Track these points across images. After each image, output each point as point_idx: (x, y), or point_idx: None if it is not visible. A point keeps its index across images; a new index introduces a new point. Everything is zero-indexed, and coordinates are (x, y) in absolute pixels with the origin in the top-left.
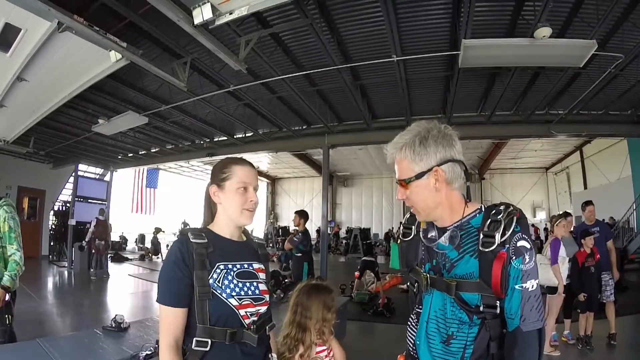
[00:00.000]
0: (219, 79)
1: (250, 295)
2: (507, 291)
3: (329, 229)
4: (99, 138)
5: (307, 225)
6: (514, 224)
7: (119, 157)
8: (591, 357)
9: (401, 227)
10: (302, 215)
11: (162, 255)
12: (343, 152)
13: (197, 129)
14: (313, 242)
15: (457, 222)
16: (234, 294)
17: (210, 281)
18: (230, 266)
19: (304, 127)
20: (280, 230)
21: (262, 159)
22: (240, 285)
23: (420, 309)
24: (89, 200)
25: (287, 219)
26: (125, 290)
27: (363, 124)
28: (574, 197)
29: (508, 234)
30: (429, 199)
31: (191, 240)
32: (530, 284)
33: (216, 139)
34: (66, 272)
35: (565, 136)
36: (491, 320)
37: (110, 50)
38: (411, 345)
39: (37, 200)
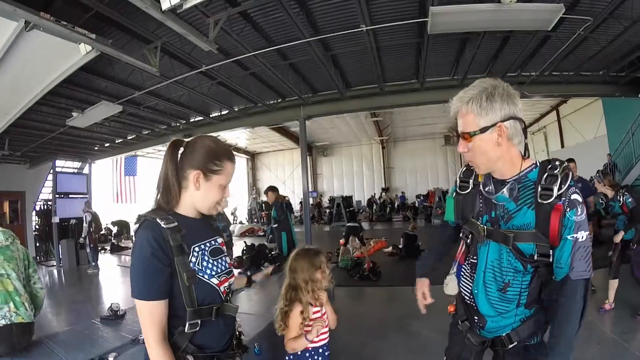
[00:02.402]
0: (190, 61)
1: (224, 271)
2: (559, 240)
3: (310, 199)
4: (73, 131)
5: (291, 197)
6: (569, 178)
7: (96, 148)
8: None
9: (458, 181)
10: (273, 189)
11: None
12: (320, 122)
13: (173, 111)
14: (296, 214)
15: (515, 175)
16: (213, 273)
17: (190, 265)
18: (202, 246)
19: (279, 100)
20: (263, 205)
21: (240, 136)
22: (215, 263)
23: (475, 259)
24: (70, 196)
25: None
26: (116, 280)
27: (337, 93)
28: (552, 155)
29: (564, 187)
30: (490, 153)
31: (163, 226)
32: (581, 235)
33: (192, 120)
34: (56, 271)
35: (539, 97)
36: (543, 268)
37: (79, 43)
38: (468, 294)
39: (18, 203)
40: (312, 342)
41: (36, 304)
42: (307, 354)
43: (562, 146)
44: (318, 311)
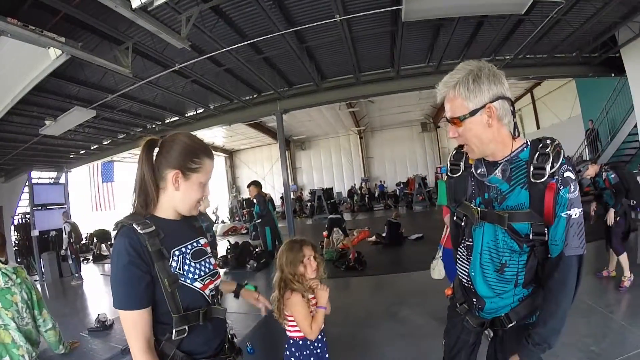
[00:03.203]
0: (163, 60)
1: (208, 273)
2: (554, 219)
3: (291, 193)
4: (47, 140)
5: (271, 193)
6: (561, 156)
7: (71, 156)
8: None
9: (448, 164)
10: (256, 184)
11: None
12: (297, 116)
13: (147, 113)
14: (278, 209)
15: (507, 156)
16: (196, 277)
17: (171, 270)
18: (183, 249)
19: (255, 95)
20: (244, 202)
21: (216, 134)
22: (197, 266)
23: (470, 242)
24: (48, 207)
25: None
26: (101, 290)
27: (313, 85)
28: (528, 137)
29: (557, 166)
30: (482, 135)
31: (139, 231)
32: (574, 212)
33: (168, 121)
34: (39, 285)
35: (514, 80)
36: (539, 247)
37: (48, 48)
38: (465, 277)
39: None
40: (325, 306)
41: (50, 344)
42: (308, 342)
43: (538, 127)
44: (313, 297)
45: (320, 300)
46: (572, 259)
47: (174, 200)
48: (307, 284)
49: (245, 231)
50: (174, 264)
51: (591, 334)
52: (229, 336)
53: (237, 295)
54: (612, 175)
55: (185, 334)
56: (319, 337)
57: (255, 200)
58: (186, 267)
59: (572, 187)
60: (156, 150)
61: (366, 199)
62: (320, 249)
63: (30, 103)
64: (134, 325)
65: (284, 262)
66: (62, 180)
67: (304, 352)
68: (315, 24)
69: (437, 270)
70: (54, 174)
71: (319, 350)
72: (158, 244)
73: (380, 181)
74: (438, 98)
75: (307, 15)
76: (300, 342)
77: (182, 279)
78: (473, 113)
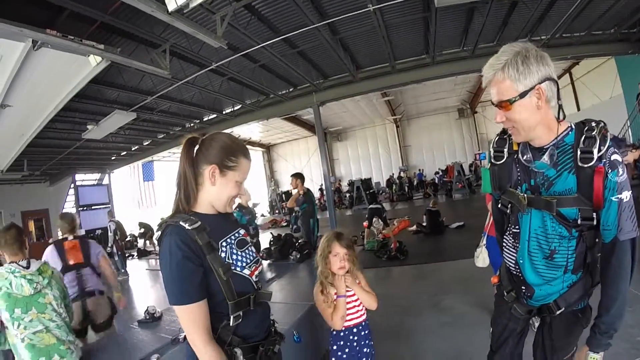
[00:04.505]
0: (199, 60)
1: (252, 260)
2: (604, 203)
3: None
4: (90, 144)
5: (309, 186)
6: (607, 139)
7: (113, 158)
8: None
9: (492, 151)
10: (299, 177)
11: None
12: (332, 108)
13: (186, 112)
14: (317, 201)
15: (553, 140)
16: (244, 264)
17: (222, 260)
18: (228, 240)
19: (291, 89)
20: (283, 195)
21: (253, 130)
22: (243, 254)
23: (517, 229)
24: (93, 207)
25: (288, 184)
26: (147, 284)
27: (349, 76)
28: (568, 119)
29: (604, 149)
30: (531, 118)
31: (187, 227)
32: (625, 195)
33: (206, 119)
34: None
35: (553, 60)
36: (587, 232)
37: (88, 55)
38: (513, 265)
39: (43, 221)
40: (345, 295)
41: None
42: (348, 332)
43: (578, 109)
44: (352, 295)
45: (338, 289)
46: (627, 243)
47: (210, 195)
48: (330, 278)
49: (285, 223)
50: (222, 254)
51: (637, 323)
52: (271, 321)
53: None
54: None
55: (240, 320)
56: (355, 330)
57: (300, 193)
58: (234, 257)
59: (620, 170)
60: (196, 147)
61: (406, 187)
62: (361, 239)
63: (73, 109)
64: (193, 319)
65: (318, 254)
66: (105, 181)
67: (341, 343)
68: (348, 14)
69: (482, 258)
70: (97, 176)
71: (361, 342)
72: (206, 237)
73: (419, 169)
74: (483, 82)
75: (339, 6)
76: (342, 334)
77: (233, 268)
78: (523, 95)
